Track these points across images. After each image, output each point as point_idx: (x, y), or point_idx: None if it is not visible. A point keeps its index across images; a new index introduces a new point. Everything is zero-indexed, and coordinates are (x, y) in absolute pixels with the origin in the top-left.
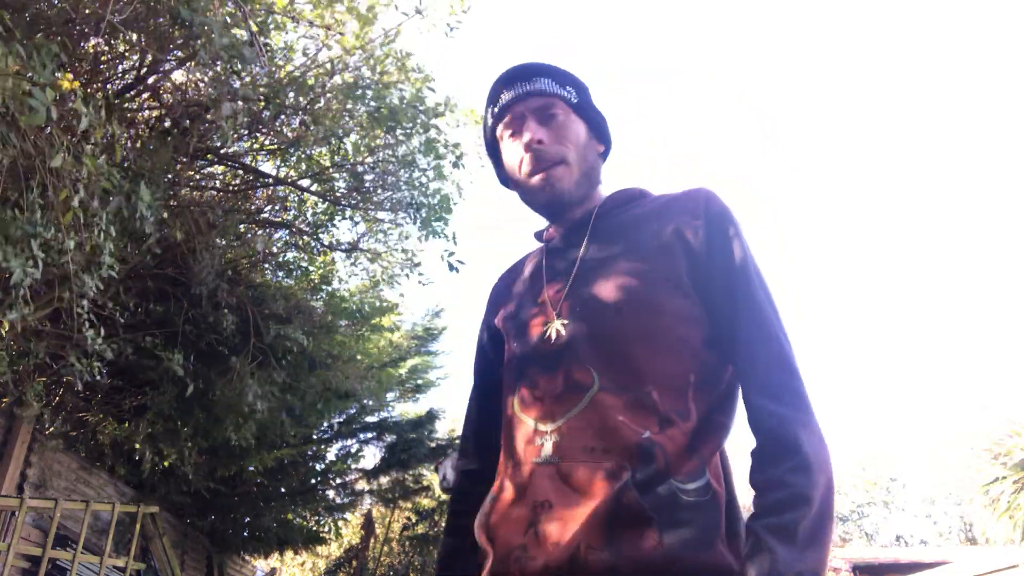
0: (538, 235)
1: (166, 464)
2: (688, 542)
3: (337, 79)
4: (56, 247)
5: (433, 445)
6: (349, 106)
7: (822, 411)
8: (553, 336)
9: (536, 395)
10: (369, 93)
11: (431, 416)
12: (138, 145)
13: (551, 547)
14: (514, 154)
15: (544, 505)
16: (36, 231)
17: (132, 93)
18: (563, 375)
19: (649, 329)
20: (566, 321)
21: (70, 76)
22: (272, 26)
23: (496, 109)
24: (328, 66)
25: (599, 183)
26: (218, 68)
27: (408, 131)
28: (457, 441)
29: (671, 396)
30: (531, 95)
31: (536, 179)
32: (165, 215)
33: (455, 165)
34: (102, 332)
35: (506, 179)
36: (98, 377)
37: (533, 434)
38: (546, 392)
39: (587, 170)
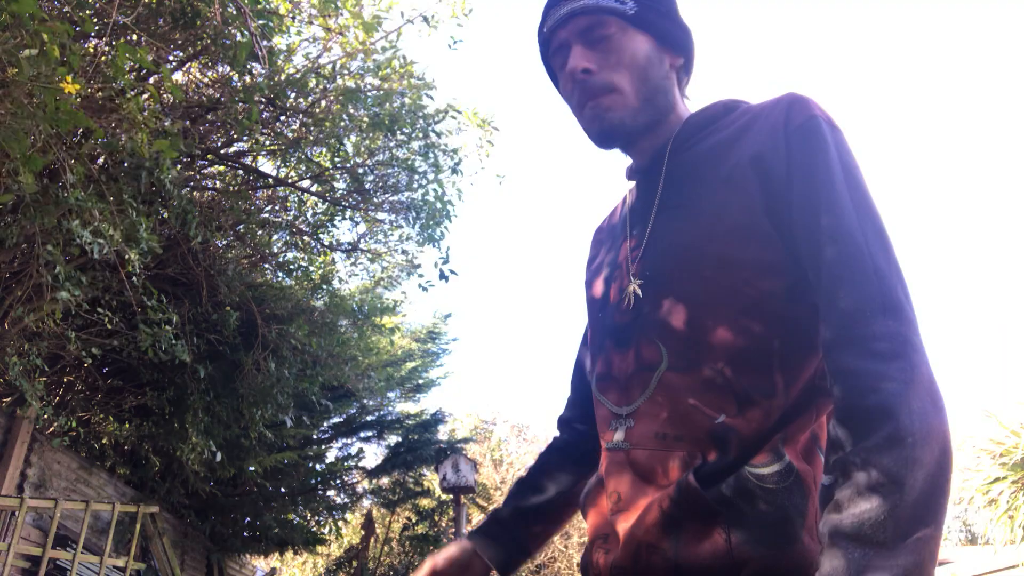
0: (627, 173)
1: (183, 458)
2: (760, 538)
3: (339, 82)
4: (97, 225)
5: (436, 448)
6: (350, 110)
7: None
8: (630, 302)
9: (612, 374)
10: (371, 98)
11: (436, 419)
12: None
13: (620, 543)
14: (565, 88)
15: (613, 496)
16: (89, 205)
17: (132, 93)
18: (634, 351)
19: (717, 291)
20: (641, 282)
21: (70, 78)
22: (275, 29)
23: (543, 37)
24: (329, 68)
25: (675, 104)
26: (220, 68)
27: (408, 135)
28: (459, 444)
29: (750, 370)
30: (575, 15)
31: (585, 112)
32: (165, 214)
33: (454, 171)
34: (163, 299)
35: None
36: (171, 344)
37: (610, 417)
38: (620, 372)
39: (650, 93)
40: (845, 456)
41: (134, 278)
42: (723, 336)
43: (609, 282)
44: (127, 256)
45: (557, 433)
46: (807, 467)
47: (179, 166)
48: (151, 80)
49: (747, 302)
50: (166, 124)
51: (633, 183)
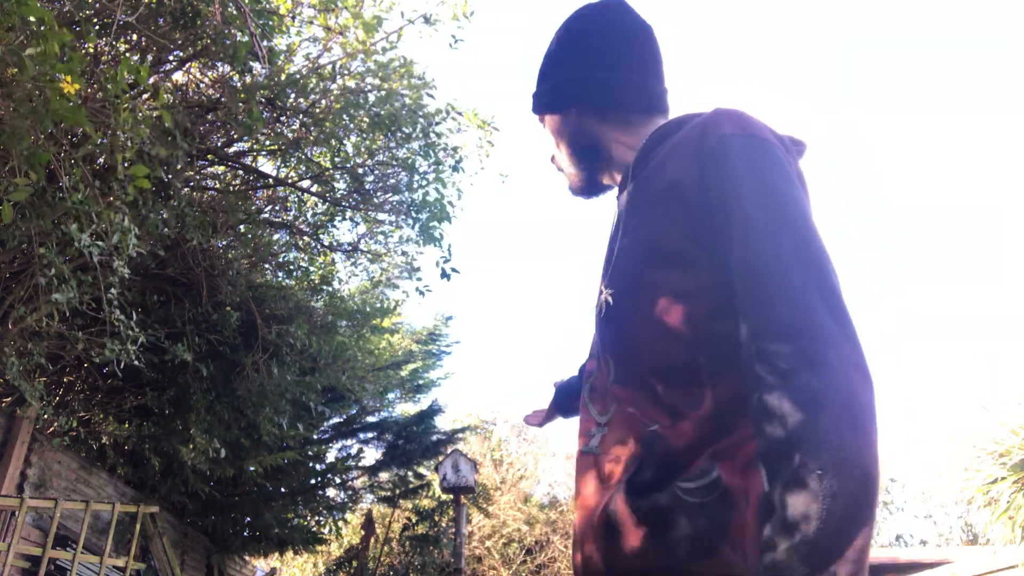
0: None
1: (185, 458)
2: (680, 550)
3: (339, 82)
4: (96, 227)
5: (434, 439)
6: (350, 110)
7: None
8: (603, 309)
9: (594, 385)
10: (371, 98)
11: (433, 410)
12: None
13: (578, 545)
14: None
15: (577, 496)
16: (89, 207)
17: (132, 93)
18: (602, 362)
19: (650, 310)
20: (612, 291)
21: (69, 78)
22: (275, 28)
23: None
24: (329, 69)
25: (614, 142)
26: (220, 68)
27: (408, 135)
28: (458, 435)
29: (677, 386)
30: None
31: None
32: (165, 214)
33: (455, 169)
34: (133, 316)
35: None
36: (135, 362)
37: (592, 424)
38: (599, 383)
39: (585, 157)
40: (767, 493)
41: (112, 289)
42: (654, 353)
43: (596, 296)
44: (115, 263)
45: None
46: (740, 482)
47: (179, 165)
48: (150, 81)
49: (675, 321)
50: (148, 148)
51: None
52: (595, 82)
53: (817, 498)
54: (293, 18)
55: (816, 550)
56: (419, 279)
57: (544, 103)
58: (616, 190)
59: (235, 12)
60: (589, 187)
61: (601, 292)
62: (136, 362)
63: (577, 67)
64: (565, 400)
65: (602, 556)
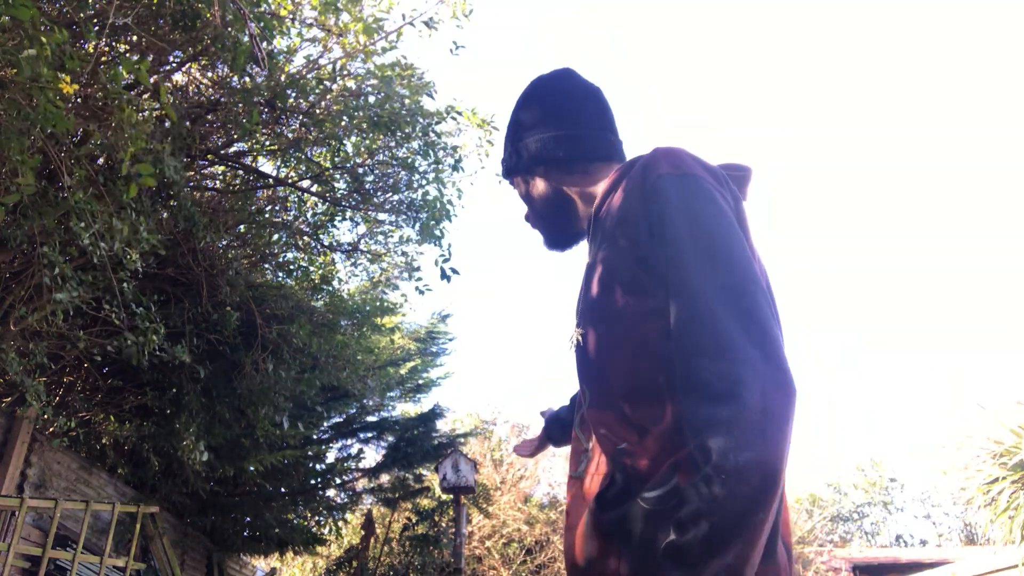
0: None
1: (185, 458)
2: (648, 558)
3: (339, 83)
4: (99, 226)
5: (436, 443)
6: (350, 111)
7: (810, 408)
8: (573, 348)
9: (582, 415)
10: (371, 100)
11: (434, 413)
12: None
13: (568, 566)
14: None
15: (564, 517)
16: (89, 207)
17: (132, 93)
18: (582, 392)
19: (610, 338)
20: (581, 331)
21: (68, 78)
22: (275, 30)
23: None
24: (330, 69)
25: (580, 193)
26: (220, 69)
27: (408, 135)
28: (458, 440)
29: (643, 404)
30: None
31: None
32: (165, 215)
33: (455, 168)
34: (152, 308)
35: None
36: (158, 352)
37: (580, 451)
38: (583, 410)
39: (551, 208)
40: (684, 488)
41: (125, 283)
42: (620, 377)
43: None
44: (127, 257)
45: None
46: None
47: (182, 164)
48: (148, 87)
49: (635, 345)
50: (155, 144)
51: None
52: (556, 140)
53: (716, 500)
54: (293, 19)
55: (716, 542)
56: (419, 279)
57: (511, 167)
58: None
59: (234, 17)
60: (562, 240)
61: (574, 330)
62: (158, 352)
63: (538, 129)
64: (556, 429)
65: (586, 570)
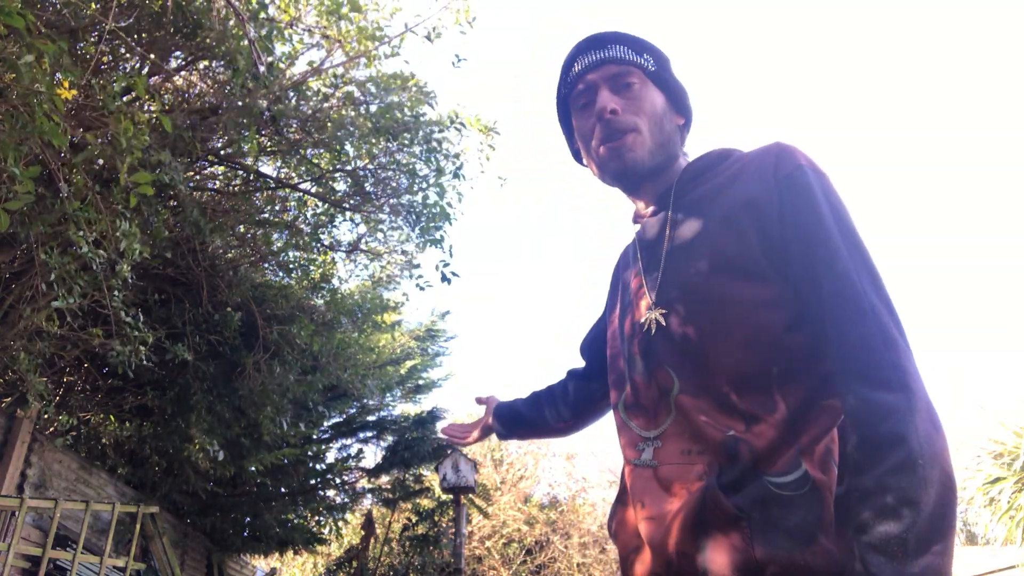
0: (633, 217)
1: (189, 457)
2: (781, 540)
3: (341, 88)
4: (94, 235)
5: (435, 445)
6: (351, 117)
7: None
8: (651, 330)
9: (640, 402)
10: (373, 108)
11: (433, 415)
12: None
13: (651, 552)
14: (586, 124)
15: (638, 505)
16: (87, 215)
17: (128, 98)
18: (655, 378)
19: (718, 324)
20: (664, 311)
21: (67, 83)
22: (276, 38)
23: (569, 78)
24: (331, 73)
25: (679, 156)
26: (220, 74)
27: (409, 140)
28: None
29: (751, 393)
30: (605, 63)
31: (606, 148)
32: (166, 216)
33: (455, 175)
34: (140, 317)
35: (578, 152)
36: (145, 362)
37: (637, 440)
38: (647, 399)
39: (663, 141)
40: (863, 480)
41: (116, 291)
42: (726, 364)
43: (625, 315)
44: (119, 267)
45: (576, 368)
46: (823, 476)
47: (180, 168)
48: (151, 82)
49: (748, 333)
50: (154, 152)
51: (639, 226)
52: (691, 111)
53: (922, 484)
54: (292, 24)
55: (926, 527)
56: (419, 276)
57: (657, 72)
58: (637, 218)
59: (235, 24)
60: (651, 168)
61: (645, 312)
62: (145, 362)
63: (685, 88)
64: (509, 422)
65: (702, 554)
